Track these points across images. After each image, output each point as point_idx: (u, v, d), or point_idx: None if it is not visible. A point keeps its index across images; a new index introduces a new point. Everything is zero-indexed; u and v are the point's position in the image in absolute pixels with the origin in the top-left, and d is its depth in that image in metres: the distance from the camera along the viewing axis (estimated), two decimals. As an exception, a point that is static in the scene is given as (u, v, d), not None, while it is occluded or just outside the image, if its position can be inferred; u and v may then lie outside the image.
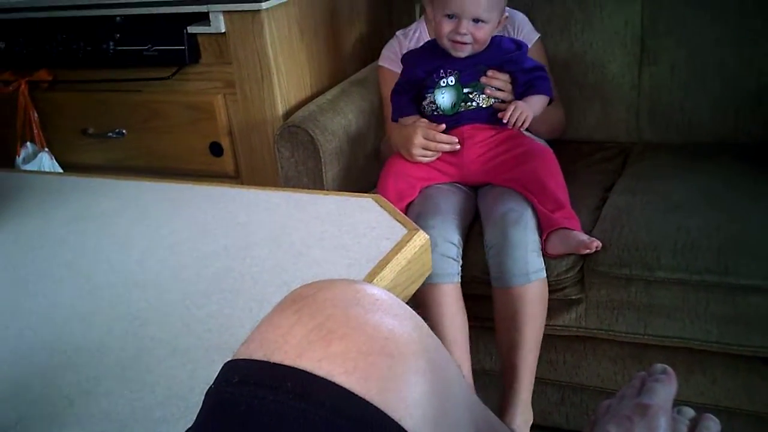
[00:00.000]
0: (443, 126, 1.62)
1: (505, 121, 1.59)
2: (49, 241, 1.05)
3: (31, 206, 1.16)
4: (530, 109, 1.61)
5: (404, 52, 1.85)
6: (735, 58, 1.84)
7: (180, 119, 1.92)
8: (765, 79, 1.82)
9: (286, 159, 1.74)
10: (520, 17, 1.86)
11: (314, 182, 1.72)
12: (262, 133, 1.85)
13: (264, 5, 1.74)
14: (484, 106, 1.64)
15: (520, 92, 1.66)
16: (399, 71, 1.82)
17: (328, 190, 1.71)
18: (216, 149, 1.91)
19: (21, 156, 2.00)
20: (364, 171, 1.85)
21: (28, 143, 2.02)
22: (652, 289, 1.48)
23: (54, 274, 0.96)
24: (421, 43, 1.85)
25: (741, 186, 1.61)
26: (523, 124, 1.59)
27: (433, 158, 1.63)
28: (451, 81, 1.64)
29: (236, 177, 1.93)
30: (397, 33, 1.92)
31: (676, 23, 1.88)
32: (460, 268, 1.52)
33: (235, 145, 1.90)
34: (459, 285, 1.52)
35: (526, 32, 1.84)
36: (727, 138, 1.86)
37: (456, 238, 1.52)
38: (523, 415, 1.51)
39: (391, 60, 1.87)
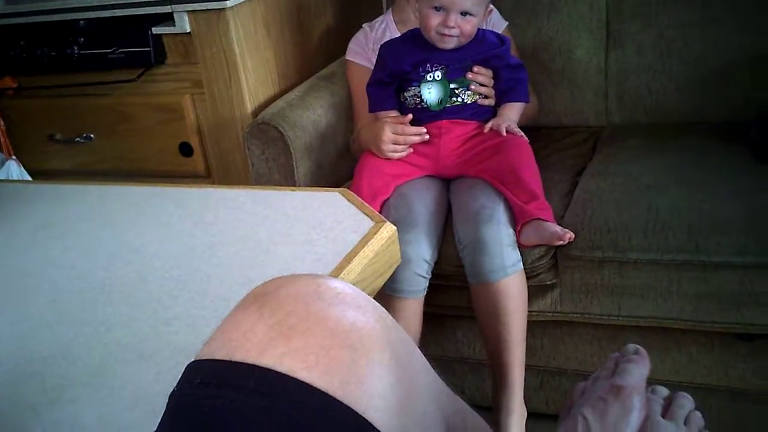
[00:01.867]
0: (410, 117, 1.62)
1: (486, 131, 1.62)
2: (14, 251, 1.04)
3: (-5, 215, 1.15)
4: (513, 124, 1.64)
5: (371, 44, 1.85)
6: (699, 40, 1.85)
7: (148, 121, 1.91)
8: (729, 59, 1.83)
9: (256, 156, 1.73)
10: (490, 5, 1.86)
11: (286, 179, 1.72)
12: (232, 131, 1.84)
13: (228, 3, 1.74)
14: (468, 102, 1.64)
15: (501, 89, 1.66)
16: (366, 64, 1.82)
17: (300, 185, 1.71)
18: (186, 149, 1.90)
19: (-12, 165, 1.98)
20: (336, 166, 1.84)
21: (-4, 152, 2.00)
22: (625, 271, 1.49)
23: (19, 283, 0.95)
24: (387, 35, 1.85)
25: (709, 164, 1.62)
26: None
27: (404, 153, 1.63)
28: (438, 75, 1.63)
29: (207, 176, 1.92)
30: (364, 26, 1.92)
31: (640, 6, 1.90)
32: (428, 282, 1.52)
33: (205, 145, 1.89)
34: (423, 298, 1.53)
35: (494, 20, 1.84)
36: (694, 118, 1.87)
37: (429, 253, 1.51)
38: (518, 411, 1.52)
39: (358, 53, 1.87)
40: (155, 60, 1.84)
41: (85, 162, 2.02)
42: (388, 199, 1.59)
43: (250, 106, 1.82)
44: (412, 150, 1.63)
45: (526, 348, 1.53)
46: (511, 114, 1.66)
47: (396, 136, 1.61)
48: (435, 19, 1.58)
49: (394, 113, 1.67)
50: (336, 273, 0.85)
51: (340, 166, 1.84)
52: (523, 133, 1.63)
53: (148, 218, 1.06)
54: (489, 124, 1.63)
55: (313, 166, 1.76)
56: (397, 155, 1.62)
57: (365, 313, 0.62)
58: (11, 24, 1.98)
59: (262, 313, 0.60)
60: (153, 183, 1.21)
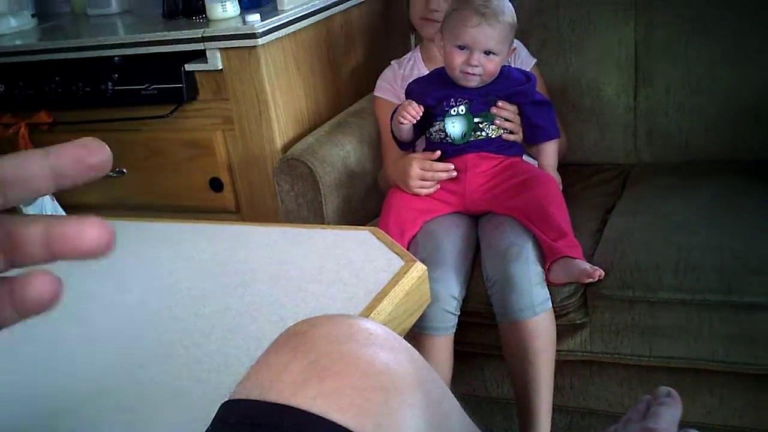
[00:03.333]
0: (438, 153, 1.63)
1: None
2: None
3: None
4: (555, 172, 1.67)
5: (399, 81, 1.87)
6: (730, 76, 1.84)
7: (179, 156, 1.93)
8: (761, 95, 1.82)
9: (285, 192, 1.74)
10: (516, 43, 1.87)
11: (314, 215, 1.73)
12: (262, 167, 1.86)
13: (260, 41, 1.76)
14: (492, 136, 1.64)
15: (528, 126, 1.67)
16: (394, 100, 1.83)
17: (328, 221, 1.72)
18: (216, 185, 1.92)
19: (23, 199, 2.01)
20: (364, 202, 1.85)
21: (30, 185, 2.03)
22: (656, 311, 1.47)
23: (53, 319, 0.96)
24: (415, 72, 1.87)
25: (741, 204, 1.61)
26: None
27: (432, 190, 1.63)
28: (462, 110, 1.64)
29: (237, 212, 1.94)
30: (392, 62, 1.94)
31: (669, 44, 1.90)
32: (457, 319, 1.52)
33: (235, 180, 1.91)
34: (453, 335, 1.52)
35: (523, 58, 1.85)
36: (725, 156, 1.86)
37: (457, 290, 1.51)
38: None
39: (386, 90, 1.88)
40: (187, 96, 1.87)
41: (117, 196, 2.05)
42: (415, 235, 1.59)
43: (279, 142, 1.84)
44: (439, 186, 1.64)
45: (555, 388, 1.52)
46: (549, 160, 1.68)
47: (423, 172, 1.62)
48: (459, 58, 1.60)
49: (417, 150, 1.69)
50: (367, 312, 0.85)
51: (368, 202, 1.85)
52: (560, 178, 1.65)
53: (181, 255, 1.07)
54: None
55: (342, 202, 1.77)
56: (424, 191, 1.63)
57: (397, 355, 0.62)
58: (47, 60, 2.02)
59: (295, 353, 0.60)
60: (184, 218, 1.23)
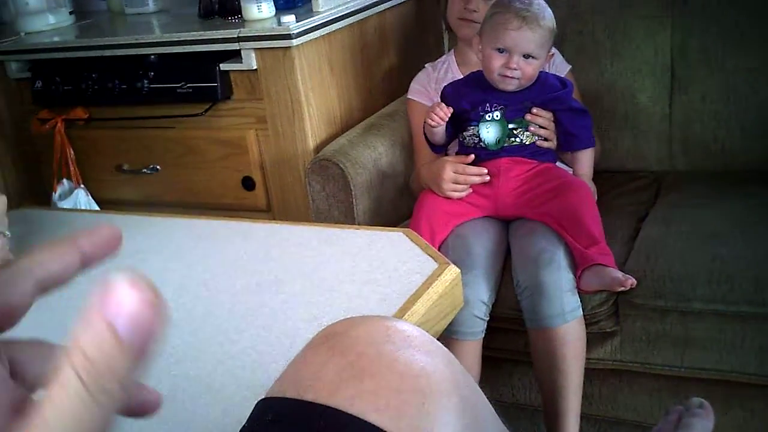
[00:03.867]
0: (471, 157, 1.63)
1: None
2: (84, 280, 1.06)
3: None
4: (590, 181, 1.66)
5: (433, 84, 1.86)
6: (766, 85, 1.82)
7: (213, 154, 1.95)
8: (799, 106, 1.80)
9: (317, 192, 1.75)
10: (552, 48, 1.86)
11: (345, 215, 1.73)
12: (294, 167, 1.87)
13: (294, 42, 1.77)
14: (527, 143, 1.64)
15: (563, 133, 1.66)
16: (428, 103, 1.83)
17: (359, 222, 1.72)
18: (248, 183, 1.93)
19: (57, 192, 2.03)
20: (395, 204, 1.85)
21: (65, 180, 2.06)
22: (688, 321, 1.46)
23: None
24: (449, 76, 1.87)
25: (777, 215, 1.59)
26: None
27: (464, 193, 1.63)
28: (497, 116, 1.63)
29: (268, 211, 1.94)
30: (426, 65, 1.94)
31: (706, 52, 1.88)
32: (486, 324, 1.52)
33: (267, 180, 1.92)
34: (481, 340, 1.52)
35: (558, 63, 1.84)
36: (761, 166, 1.84)
37: (487, 295, 1.51)
38: None
39: (419, 92, 1.88)
40: (222, 95, 1.88)
41: (151, 193, 2.07)
42: (446, 238, 1.59)
43: (312, 143, 1.85)
44: (471, 190, 1.63)
45: (583, 396, 1.51)
46: (584, 169, 1.67)
47: (456, 176, 1.61)
48: (498, 61, 1.59)
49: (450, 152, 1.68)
50: (400, 314, 0.85)
51: (399, 204, 1.85)
52: (594, 188, 1.64)
53: (215, 252, 1.08)
54: None
55: (373, 203, 1.77)
56: (456, 195, 1.62)
57: (434, 358, 0.62)
58: (84, 57, 2.05)
59: (333, 353, 0.60)
60: (216, 216, 1.24)
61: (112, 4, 2.50)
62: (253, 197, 1.94)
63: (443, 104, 1.62)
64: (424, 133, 1.71)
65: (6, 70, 2.18)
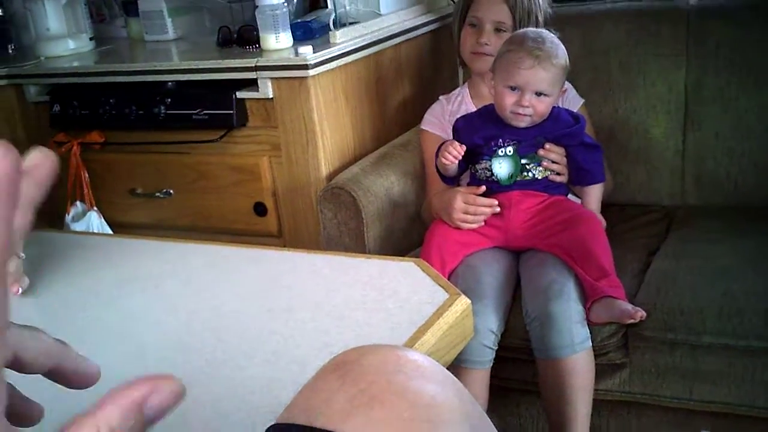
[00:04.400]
0: (483, 188, 1.63)
1: None
2: (97, 303, 1.07)
3: (80, 267, 1.19)
4: (599, 215, 1.66)
5: (446, 116, 1.88)
6: (780, 123, 1.83)
7: (226, 180, 1.96)
8: (811, 143, 1.81)
9: (328, 220, 1.76)
10: (566, 84, 1.88)
11: (356, 243, 1.74)
12: (306, 194, 1.88)
13: (311, 72, 1.79)
14: (539, 177, 1.65)
15: (575, 168, 1.66)
16: (441, 134, 1.84)
17: (369, 250, 1.73)
18: (260, 209, 1.94)
19: (71, 214, 2.05)
20: (406, 233, 1.86)
21: (78, 202, 2.08)
22: (698, 354, 1.45)
23: (101, 336, 0.98)
24: (463, 108, 1.88)
25: (788, 251, 1.59)
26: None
27: (475, 225, 1.64)
28: (510, 151, 1.64)
29: (279, 237, 1.96)
30: (441, 97, 1.96)
31: (720, 90, 1.89)
32: (494, 354, 1.52)
33: (279, 206, 1.94)
34: (489, 369, 1.52)
35: (571, 98, 1.85)
36: (773, 202, 1.84)
37: (496, 325, 1.51)
38: None
39: (433, 124, 1.90)
40: (237, 123, 1.90)
41: (163, 217, 2.08)
42: (456, 268, 1.59)
43: (325, 171, 1.86)
44: (483, 222, 1.64)
45: (591, 428, 1.50)
46: (593, 204, 1.67)
47: (467, 206, 1.62)
48: (510, 98, 1.60)
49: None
50: (411, 343, 0.86)
51: (410, 233, 1.86)
52: (603, 221, 1.64)
53: (226, 278, 1.09)
54: None
55: (384, 232, 1.78)
56: (466, 226, 1.63)
57: (444, 388, 0.63)
58: (102, 82, 2.08)
59: (344, 381, 0.60)
60: (228, 241, 1.25)
61: (132, 31, 2.53)
62: (264, 223, 1.95)
63: (456, 142, 1.63)
64: (436, 166, 1.72)
65: (25, 93, 2.21)
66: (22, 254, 1.10)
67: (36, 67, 2.21)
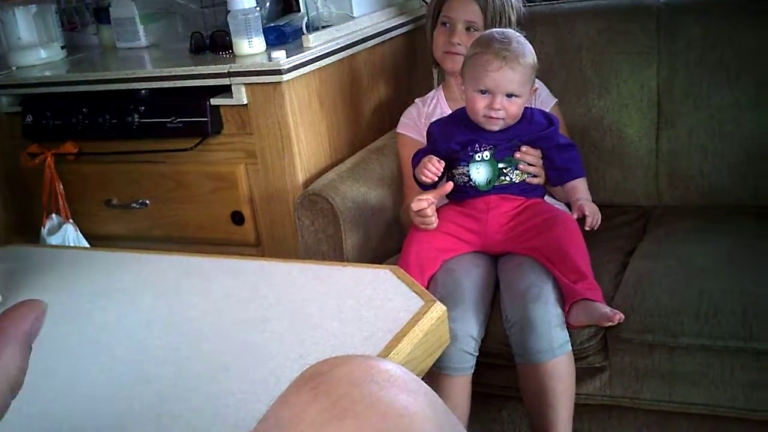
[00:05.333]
0: (449, 185, 1.61)
1: (588, 228, 1.58)
2: (71, 317, 1.06)
3: (54, 282, 1.18)
4: (593, 204, 1.62)
5: (422, 119, 1.88)
6: (753, 120, 1.85)
7: (202, 189, 1.95)
8: (783, 140, 1.82)
9: (306, 227, 1.75)
10: (537, 83, 1.88)
11: (334, 250, 1.73)
12: (283, 201, 1.87)
13: (285, 77, 1.78)
14: (516, 181, 1.64)
15: (554, 168, 1.66)
16: (417, 137, 1.84)
17: (348, 257, 1.72)
18: (237, 218, 1.93)
19: (46, 227, 2.03)
20: (384, 239, 1.85)
21: (53, 215, 2.05)
22: (676, 356, 1.46)
23: (76, 350, 0.97)
24: (438, 111, 1.88)
25: (763, 248, 1.60)
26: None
27: (432, 226, 1.60)
28: (486, 156, 1.63)
29: (257, 245, 1.94)
30: (416, 101, 1.95)
31: (692, 87, 1.90)
32: (475, 360, 1.51)
33: (256, 214, 1.92)
34: (471, 375, 1.52)
35: (543, 97, 1.86)
36: (747, 201, 1.85)
37: (476, 330, 1.51)
38: None
39: (409, 127, 1.90)
40: (212, 130, 1.89)
41: (140, 227, 2.06)
42: (435, 273, 1.59)
43: (301, 177, 1.86)
44: (435, 218, 1.61)
45: None
46: (582, 194, 1.65)
47: (419, 203, 1.59)
48: (481, 102, 1.60)
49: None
50: (386, 352, 0.85)
51: (388, 239, 1.85)
52: (597, 210, 1.61)
53: (202, 289, 1.08)
54: (575, 214, 1.59)
55: (362, 238, 1.78)
56: (424, 226, 1.61)
57: (417, 397, 0.62)
58: (74, 92, 2.05)
59: (315, 394, 0.60)
60: (205, 251, 1.24)
61: (104, 38, 2.51)
62: (242, 232, 1.94)
63: (434, 159, 1.61)
64: (412, 165, 1.72)
65: (-4, 103, 2.18)
66: (-6, 270, 1.09)
67: (7, 77, 2.19)
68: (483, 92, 1.59)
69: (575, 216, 1.59)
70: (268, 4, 2.14)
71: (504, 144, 1.63)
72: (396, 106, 2.12)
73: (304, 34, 1.95)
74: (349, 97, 2.05)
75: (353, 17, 2.09)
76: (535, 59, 1.63)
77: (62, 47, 2.39)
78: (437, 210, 1.64)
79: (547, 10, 2.10)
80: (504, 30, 1.68)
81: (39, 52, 2.31)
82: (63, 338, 1.00)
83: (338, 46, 1.97)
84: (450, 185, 1.62)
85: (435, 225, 1.61)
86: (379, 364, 0.64)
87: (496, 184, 1.64)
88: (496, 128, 1.62)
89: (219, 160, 1.93)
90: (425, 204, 1.59)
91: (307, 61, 1.86)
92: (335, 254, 1.73)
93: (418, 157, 1.68)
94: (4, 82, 2.16)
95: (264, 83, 1.81)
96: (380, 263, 1.51)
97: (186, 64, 1.97)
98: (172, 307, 1.04)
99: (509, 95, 1.59)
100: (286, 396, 0.61)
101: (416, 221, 1.62)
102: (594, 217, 1.59)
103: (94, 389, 0.86)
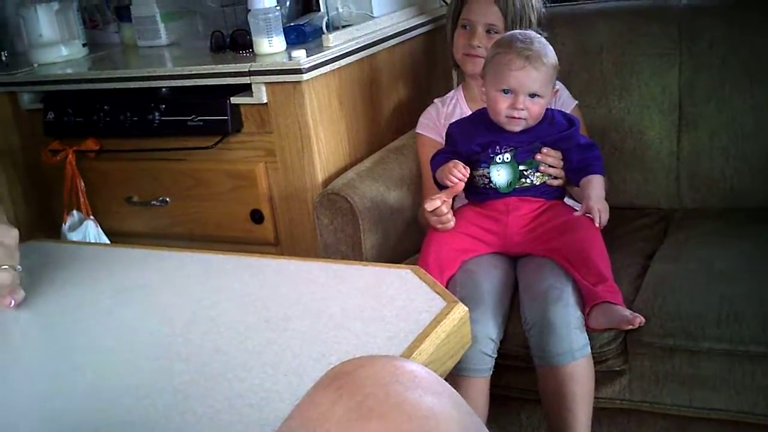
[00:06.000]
0: (461, 186, 1.60)
1: (597, 225, 1.56)
2: (94, 313, 1.07)
3: (76, 278, 1.18)
4: (603, 202, 1.59)
5: (442, 119, 1.87)
6: (775, 124, 1.83)
7: (222, 187, 1.95)
8: (807, 143, 1.80)
9: (325, 226, 1.75)
10: (558, 84, 1.87)
11: (353, 249, 1.73)
12: (302, 200, 1.88)
13: (305, 77, 1.78)
14: (537, 183, 1.63)
15: (574, 169, 1.64)
16: (437, 138, 1.84)
17: (366, 257, 1.72)
18: (257, 216, 1.93)
19: (67, 224, 2.04)
20: (403, 238, 1.85)
21: (75, 211, 2.07)
22: (697, 360, 1.45)
23: (99, 346, 0.97)
24: (458, 112, 1.88)
25: (786, 253, 1.59)
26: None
27: (448, 223, 1.60)
28: (507, 158, 1.62)
29: (276, 244, 1.95)
30: (435, 101, 1.95)
31: (714, 89, 1.88)
32: (494, 361, 1.51)
33: (276, 213, 1.93)
34: (489, 377, 1.51)
35: (564, 99, 1.85)
36: (770, 203, 1.84)
37: (496, 332, 1.50)
38: None
39: (428, 127, 1.89)
40: (232, 129, 1.89)
41: (160, 225, 2.07)
42: (454, 274, 1.59)
43: (321, 176, 1.86)
44: (452, 217, 1.60)
45: (592, 435, 1.50)
46: (598, 191, 1.60)
47: (432, 202, 1.59)
48: (503, 102, 1.59)
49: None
50: (408, 353, 0.85)
51: (406, 238, 1.85)
52: (605, 208, 1.58)
53: (224, 287, 1.08)
54: (582, 210, 1.57)
55: (381, 237, 1.78)
56: (441, 227, 1.61)
57: (441, 399, 0.62)
58: (96, 89, 2.07)
59: (341, 393, 0.60)
60: (224, 249, 1.24)
61: (125, 36, 2.52)
62: (261, 230, 1.94)
63: (460, 164, 1.60)
64: (434, 176, 1.71)
65: (18, 101, 2.20)
66: (19, 267, 1.09)
67: (29, 75, 2.20)
68: (505, 92, 1.59)
69: (580, 213, 1.57)
70: (288, 3, 2.14)
71: (525, 146, 1.62)
72: (415, 105, 2.12)
73: (324, 33, 1.95)
74: (369, 96, 2.05)
75: (373, 17, 2.09)
76: (556, 60, 1.63)
77: (83, 45, 2.40)
78: (456, 210, 1.64)
79: (567, 12, 2.10)
80: (525, 31, 1.68)
81: (60, 50, 2.32)
82: (86, 335, 1.01)
83: (358, 46, 1.97)
84: (461, 185, 1.61)
85: (452, 224, 1.61)
86: (404, 365, 0.64)
87: (516, 186, 1.63)
88: (517, 129, 1.61)
89: (239, 158, 1.93)
90: (438, 203, 1.59)
91: (327, 60, 1.86)
92: (354, 254, 1.73)
93: (438, 158, 1.68)
94: (25, 79, 2.18)
95: (284, 82, 1.81)
96: (399, 263, 1.50)
97: (206, 62, 1.98)
98: (194, 304, 1.04)
99: (532, 95, 1.58)
100: (312, 395, 0.61)
101: (432, 221, 1.62)
102: (600, 214, 1.55)
103: (116, 386, 0.87)
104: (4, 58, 2.46)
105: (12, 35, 2.53)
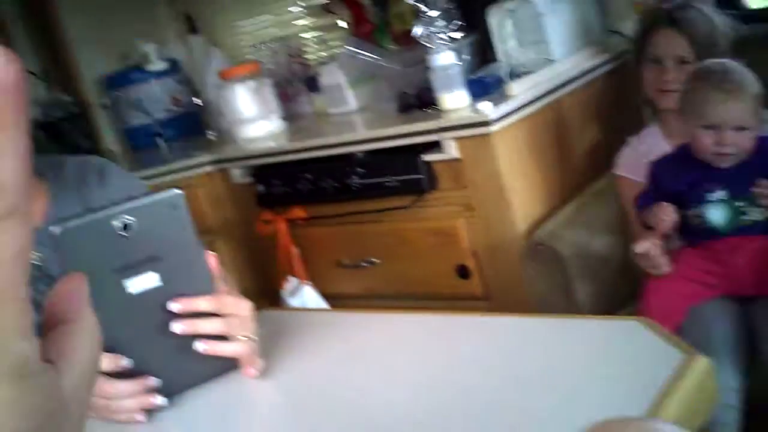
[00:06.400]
0: (672, 217, 1.56)
1: None
2: (329, 380, 1.11)
3: (309, 343, 1.24)
4: None
5: (639, 158, 1.83)
6: None
7: (425, 245, 2.00)
8: None
9: (533, 278, 1.74)
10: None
11: (566, 300, 1.71)
12: (506, 252, 1.88)
13: (493, 128, 1.80)
14: (759, 219, 1.54)
15: None
16: (637, 178, 1.79)
17: (581, 307, 1.69)
18: (462, 272, 1.96)
19: (286, 290, 2.15)
20: (616, 286, 1.80)
21: (291, 277, 2.18)
22: None
23: (340, 415, 1.01)
24: (655, 148, 1.82)
25: None
26: None
27: (662, 267, 1.55)
28: (721, 196, 1.55)
29: (486, 299, 1.95)
30: (630, 139, 1.91)
31: None
32: (738, 413, 1.42)
33: (482, 267, 1.94)
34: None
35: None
36: None
37: (737, 382, 1.42)
38: None
39: (627, 167, 1.85)
40: (428, 186, 1.94)
41: (370, 285, 2.15)
42: (681, 322, 1.52)
43: (521, 226, 1.86)
44: (667, 263, 1.55)
45: None
46: None
47: (641, 245, 1.54)
48: (707, 139, 1.52)
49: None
50: (652, 413, 0.83)
51: (620, 285, 1.80)
52: None
53: (444, 347, 1.09)
54: None
55: (593, 286, 1.74)
56: (655, 270, 1.56)
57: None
58: (297, 159, 2.19)
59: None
60: (435, 307, 1.25)
61: (316, 106, 2.66)
62: (468, 285, 1.96)
63: (665, 207, 1.56)
64: (638, 207, 1.67)
65: (230, 176, 2.36)
66: (255, 337, 1.17)
67: (237, 150, 2.37)
68: (708, 128, 1.52)
69: None
70: (465, 57, 2.18)
71: (738, 180, 1.54)
72: (606, 145, 2.08)
73: (506, 83, 1.96)
74: (558, 141, 2.04)
75: (553, 60, 2.09)
76: (758, 86, 1.54)
77: (281, 118, 2.56)
78: (674, 254, 1.58)
79: (761, 33, 1.99)
80: (720, 60, 1.60)
81: (261, 125, 2.48)
82: (323, 402, 1.05)
83: (542, 92, 1.97)
84: (669, 224, 1.56)
85: (666, 268, 1.55)
86: (657, 427, 0.63)
87: (737, 225, 1.55)
88: (727, 164, 1.54)
89: (437, 215, 1.97)
90: (648, 245, 1.54)
91: (513, 110, 1.87)
92: (568, 305, 1.70)
93: (643, 199, 1.64)
94: (234, 155, 2.35)
95: (473, 136, 1.84)
96: (617, 311, 1.47)
97: (396, 123, 2.04)
98: (418, 365, 1.06)
99: (738, 128, 1.51)
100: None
101: (644, 265, 1.57)
102: None
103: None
104: (211, 136, 2.67)
105: (214, 114, 2.74)
